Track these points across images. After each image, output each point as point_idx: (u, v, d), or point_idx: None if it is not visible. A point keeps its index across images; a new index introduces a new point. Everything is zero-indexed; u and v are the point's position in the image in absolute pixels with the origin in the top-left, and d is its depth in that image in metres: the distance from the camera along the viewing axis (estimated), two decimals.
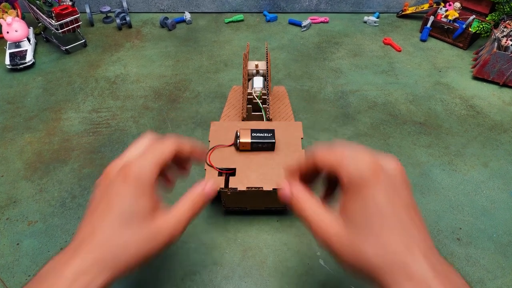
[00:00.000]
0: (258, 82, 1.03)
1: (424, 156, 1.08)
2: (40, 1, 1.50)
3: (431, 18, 1.59)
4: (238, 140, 0.86)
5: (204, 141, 1.12)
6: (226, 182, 0.83)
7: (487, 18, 1.56)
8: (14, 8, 1.58)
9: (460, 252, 0.84)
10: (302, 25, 1.68)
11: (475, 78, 1.38)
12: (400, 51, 1.54)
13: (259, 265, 0.81)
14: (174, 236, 0.50)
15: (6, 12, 1.52)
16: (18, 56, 1.42)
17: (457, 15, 1.58)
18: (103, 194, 0.48)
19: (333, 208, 0.44)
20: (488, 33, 1.53)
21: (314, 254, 0.83)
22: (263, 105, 0.96)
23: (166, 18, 1.69)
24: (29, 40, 1.49)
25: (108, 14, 1.73)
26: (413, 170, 1.03)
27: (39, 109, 1.26)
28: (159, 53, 1.53)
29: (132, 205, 0.46)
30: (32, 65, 1.45)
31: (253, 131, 0.87)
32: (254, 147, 0.86)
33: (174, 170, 0.62)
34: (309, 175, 0.51)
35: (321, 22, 1.74)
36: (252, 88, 1.02)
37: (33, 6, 1.51)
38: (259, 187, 0.81)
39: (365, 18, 1.73)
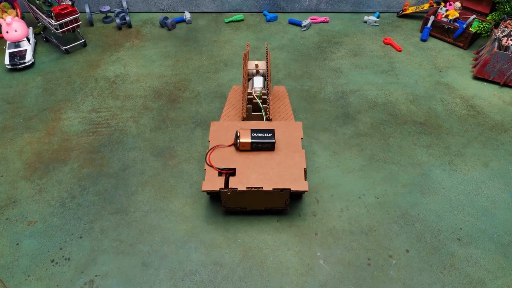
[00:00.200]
0: (258, 82, 1.02)
1: (425, 156, 1.07)
2: (39, 0, 1.50)
3: (432, 18, 1.59)
4: (238, 140, 0.86)
5: (204, 141, 1.12)
6: (226, 182, 0.83)
7: (487, 18, 1.55)
8: (13, 7, 1.57)
9: (460, 252, 0.84)
10: (302, 24, 1.68)
11: (476, 78, 1.38)
12: (400, 51, 1.54)
13: (259, 265, 0.81)
14: None
15: (6, 12, 1.51)
16: (17, 56, 1.42)
17: (457, 14, 1.58)
18: None
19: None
20: (488, 33, 1.53)
21: (314, 254, 0.83)
22: (263, 105, 0.96)
23: (166, 18, 1.69)
24: (28, 40, 1.49)
25: (108, 14, 1.72)
26: (413, 170, 1.03)
27: (38, 109, 1.26)
28: (159, 53, 1.53)
29: None
30: (31, 65, 1.45)
31: (253, 131, 0.87)
32: (254, 147, 0.86)
33: None
34: None
35: (321, 22, 1.74)
36: (252, 88, 1.02)
37: (32, 6, 1.50)
38: (259, 187, 0.81)
39: (365, 18, 1.73)
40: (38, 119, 1.22)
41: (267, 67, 1.03)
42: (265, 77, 1.05)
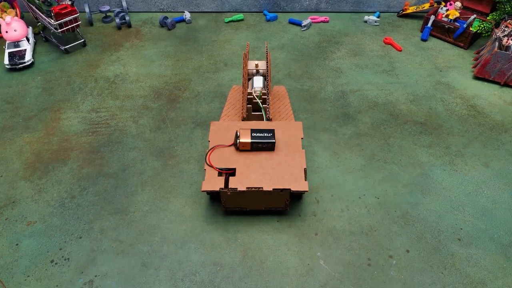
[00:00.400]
0: (258, 81, 1.02)
1: (425, 156, 1.07)
2: (39, 0, 1.49)
3: (432, 17, 1.58)
4: (238, 140, 0.85)
5: (204, 141, 1.12)
6: (226, 182, 0.82)
7: (488, 18, 1.55)
8: (13, 7, 1.57)
9: (461, 253, 0.84)
10: (302, 24, 1.68)
11: (476, 77, 1.38)
12: (400, 50, 1.54)
13: (259, 266, 0.81)
14: None
15: (5, 12, 1.51)
16: (17, 56, 1.42)
17: (458, 14, 1.57)
18: None
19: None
20: (489, 33, 1.52)
21: (314, 254, 0.83)
22: (263, 105, 0.96)
23: (166, 18, 1.69)
24: (28, 39, 1.48)
25: (108, 14, 1.72)
26: (413, 170, 1.03)
27: (38, 109, 1.25)
28: (159, 53, 1.53)
29: None
30: (31, 65, 1.45)
31: (253, 131, 0.87)
32: (254, 147, 0.86)
33: None
34: None
35: (322, 21, 1.74)
36: (252, 88, 1.02)
37: (32, 6, 1.50)
38: (259, 187, 0.80)
39: (366, 17, 1.72)
40: (37, 119, 1.22)
41: (267, 67, 1.03)
42: (265, 77, 1.05)
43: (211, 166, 0.84)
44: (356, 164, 1.05)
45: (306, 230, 0.89)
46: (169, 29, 1.68)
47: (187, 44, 1.59)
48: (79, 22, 1.51)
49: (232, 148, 0.87)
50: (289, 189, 0.82)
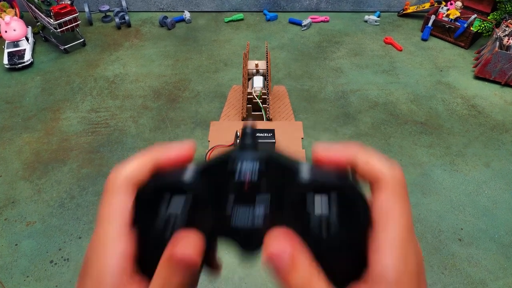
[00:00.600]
0: (258, 81, 1.02)
1: (425, 156, 1.07)
2: (38, 0, 1.49)
3: (433, 17, 1.58)
4: (238, 140, 0.85)
5: (204, 141, 1.12)
6: None
7: (488, 17, 1.55)
8: (12, 7, 1.56)
9: (461, 253, 0.83)
10: (303, 24, 1.67)
11: (477, 77, 1.37)
12: (401, 50, 1.53)
13: (259, 266, 0.80)
14: None
15: (5, 11, 1.51)
16: (16, 56, 1.41)
17: (458, 14, 1.57)
18: None
19: None
20: (489, 32, 1.52)
21: None
22: (263, 105, 0.96)
23: (166, 17, 1.68)
24: (27, 39, 1.48)
25: (107, 13, 1.72)
26: (414, 170, 1.02)
27: (37, 109, 1.25)
28: (159, 53, 1.52)
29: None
30: (30, 65, 1.44)
31: None
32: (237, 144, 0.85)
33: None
34: None
35: (322, 21, 1.73)
36: (252, 87, 1.02)
37: (31, 5, 1.50)
38: None
39: (366, 17, 1.72)
40: (37, 119, 1.21)
41: (267, 66, 1.02)
42: (265, 76, 1.05)
43: None
44: None
45: None
46: (169, 29, 1.67)
47: (187, 43, 1.58)
48: (78, 22, 1.50)
49: (232, 148, 0.87)
50: None
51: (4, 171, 1.03)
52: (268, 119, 0.95)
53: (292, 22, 1.72)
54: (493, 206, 0.93)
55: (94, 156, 1.07)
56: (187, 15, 1.73)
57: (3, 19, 1.41)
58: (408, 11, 1.74)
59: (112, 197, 0.27)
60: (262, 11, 1.81)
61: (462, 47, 1.54)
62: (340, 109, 1.24)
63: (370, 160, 0.26)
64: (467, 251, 0.84)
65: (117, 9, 1.70)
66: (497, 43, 1.32)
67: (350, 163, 0.27)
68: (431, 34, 1.62)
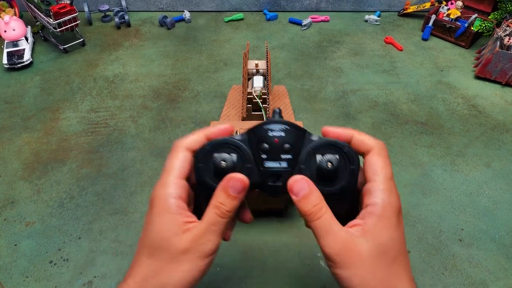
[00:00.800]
0: (258, 81, 1.02)
1: (426, 156, 1.07)
2: None
3: (433, 16, 1.58)
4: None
5: None
6: None
7: (489, 17, 1.54)
8: (11, 6, 1.56)
9: (462, 253, 0.83)
10: (303, 24, 1.67)
11: (477, 77, 1.37)
12: (401, 50, 1.53)
13: (259, 267, 0.80)
14: (202, 254, 0.43)
15: (4, 11, 1.50)
16: (15, 55, 1.41)
17: (459, 13, 1.57)
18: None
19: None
20: (490, 32, 1.52)
21: (314, 255, 0.82)
22: (263, 105, 0.95)
23: (165, 17, 1.68)
24: (26, 39, 1.48)
25: (107, 13, 1.71)
26: (414, 170, 1.02)
27: (37, 109, 1.25)
28: (158, 52, 1.52)
29: (156, 234, 0.40)
30: (29, 64, 1.44)
31: None
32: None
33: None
34: None
35: (322, 21, 1.73)
36: (252, 87, 1.01)
37: (31, 5, 1.49)
38: None
39: (366, 16, 1.72)
40: (36, 119, 1.21)
41: (267, 66, 1.02)
42: (265, 76, 1.05)
43: None
44: None
45: (307, 230, 0.88)
46: (169, 29, 1.67)
47: (186, 43, 1.58)
48: (78, 22, 1.50)
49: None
50: None
51: (3, 171, 1.03)
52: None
53: (292, 21, 1.71)
54: (493, 207, 0.93)
55: (94, 156, 1.07)
56: (187, 14, 1.72)
57: (2, 19, 1.41)
58: (409, 10, 1.74)
59: (173, 156, 0.44)
60: (262, 11, 1.80)
61: (462, 46, 1.54)
62: (340, 109, 1.24)
63: (362, 136, 0.42)
64: (468, 252, 0.83)
65: (117, 9, 1.70)
66: (498, 42, 1.31)
67: (348, 139, 0.43)
68: (432, 34, 1.61)
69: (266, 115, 0.95)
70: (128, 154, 1.07)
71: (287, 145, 0.39)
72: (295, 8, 1.81)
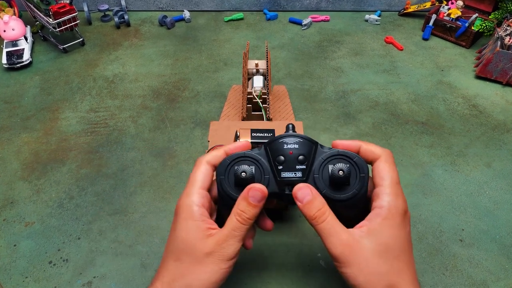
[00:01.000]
0: (258, 81, 1.01)
1: (426, 156, 1.06)
2: None
3: (433, 16, 1.57)
4: (237, 140, 0.84)
5: (204, 141, 1.11)
6: None
7: (490, 17, 1.54)
8: (11, 6, 1.56)
9: (462, 254, 0.83)
10: (303, 23, 1.67)
11: (478, 77, 1.37)
12: (402, 50, 1.53)
13: (259, 267, 0.80)
14: (225, 257, 0.47)
15: (3, 10, 1.50)
16: (15, 55, 1.41)
17: (459, 13, 1.56)
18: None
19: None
20: (491, 32, 1.52)
21: (315, 255, 0.82)
22: (263, 105, 0.95)
23: (165, 17, 1.68)
24: (26, 38, 1.48)
25: (106, 13, 1.71)
26: (415, 170, 1.02)
27: (36, 109, 1.25)
28: (158, 52, 1.52)
29: (182, 239, 0.45)
30: (29, 64, 1.44)
31: (253, 131, 0.86)
32: (254, 147, 0.85)
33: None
34: None
35: (322, 20, 1.73)
36: (252, 87, 1.01)
37: (30, 4, 1.49)
38: None
39: (367, 16, 1.71)
40: (35, 119, 1.21)
41: (267, 66, 1.02)
42: (265, 76, 1.04)
43: None
44: None
45: (307, 231, 0.88)
46: (169, 28, 1.67)
47: (186, 43, 1.58)
48: (77, 21, 1.50)
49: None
50: None
51: (2, 171, 1.03)
52: (268, 119, 0.94)
53: (293, 21, 1.71)
54: (494, 207, 0.93)
55: (93, 156, 1.07)
56: (186, 14, 1.72)
57: (2, 18, 1.41)
58: (409, 10, 1.73)
59: (196, 170, 0.48)
60: (262, 10, 1.80)
61: (463, 46, 1.54)
62: (340, 109, 1.23)
63: (370, 146, 0.48)
64: (468, 252, 0.83)
65: (117, 8, 1.69)
66: (498, 42, 1.31)
67: (356, 149, 0.48)
68: (432, 34, 1.61)
69: (266, 115, 0.95)
70: (128, 154, 1.07)
71: (301, 157, 0.43)
72: (295, 8, 1.80)
